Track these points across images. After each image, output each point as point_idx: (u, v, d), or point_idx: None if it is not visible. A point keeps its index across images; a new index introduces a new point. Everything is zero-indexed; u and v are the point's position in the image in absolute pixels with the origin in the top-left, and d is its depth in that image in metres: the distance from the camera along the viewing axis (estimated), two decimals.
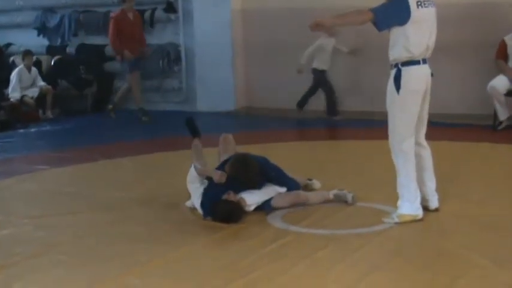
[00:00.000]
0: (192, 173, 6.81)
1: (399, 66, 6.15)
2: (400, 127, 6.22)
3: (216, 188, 6.56)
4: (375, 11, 6.09)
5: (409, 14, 6.06)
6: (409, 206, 6.25)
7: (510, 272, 5.06)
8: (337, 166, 8.53)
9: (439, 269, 5.16)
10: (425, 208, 6.39)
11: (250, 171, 6.66)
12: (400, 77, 6.13)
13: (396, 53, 6.17)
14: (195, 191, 6.73)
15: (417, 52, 6.14)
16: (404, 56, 6.15)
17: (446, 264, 5.25)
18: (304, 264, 5.35)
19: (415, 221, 6.21)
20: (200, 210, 6.62)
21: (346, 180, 7.45)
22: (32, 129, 12.65)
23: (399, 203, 6.29)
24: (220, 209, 6.42)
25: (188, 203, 6.95)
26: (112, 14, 13.13)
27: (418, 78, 6.22)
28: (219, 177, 6.60)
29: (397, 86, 6.15)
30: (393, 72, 6.19)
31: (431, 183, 6.49)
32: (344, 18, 6.44)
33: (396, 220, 6.24)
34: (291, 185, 6.91)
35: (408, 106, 6.22)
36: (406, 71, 6.14)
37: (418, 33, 6.13)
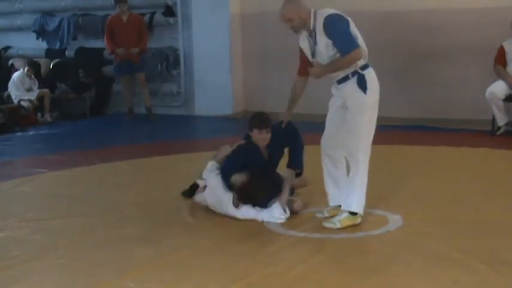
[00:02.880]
0: (208, 168, 7.02)
1: (359, 71, 6.16)
2: (370, 128, 6.25)
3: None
4: (355, 44, 6.06)
5: (348, 21, 6.14)
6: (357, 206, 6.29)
7: (507, 277, 5.06)
8: None
9: (437, 274, 5.16)
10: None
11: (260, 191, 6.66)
12: (364, 80, 6.14)
13: None
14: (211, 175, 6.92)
15: (366, 54, 6.20)
16: (360, 62, 6.17)
17: (443, 269, 5.24)
18: (301, 269, 5.34)
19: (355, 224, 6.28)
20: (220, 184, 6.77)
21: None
22: (30, 133, 12.65)
23: (348, 201, 6.31)
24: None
25: (198, 197, 7.08)
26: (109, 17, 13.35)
27: (376, 79, 6.27)
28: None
29: (364, 87, 6.16)
30: (354, 78, 6.15)
31: None
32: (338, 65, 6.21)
33: (338, 225, 6.25)
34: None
35: (376, 104, 6.27)
36: (367, 72, 6.18)
37: (358, 36, 6.18)
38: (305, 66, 6.51)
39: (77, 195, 7.94)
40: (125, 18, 13.01)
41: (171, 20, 13.91)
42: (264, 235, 6.23)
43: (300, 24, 6.25)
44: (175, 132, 12.37)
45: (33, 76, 13.63)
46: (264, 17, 13.08)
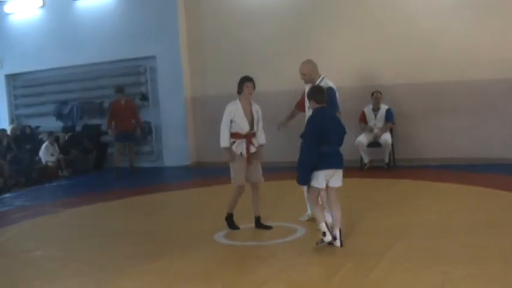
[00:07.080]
0: None
1: None
2: None
3: None
4: (338, 107, 6.51)
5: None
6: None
7: None
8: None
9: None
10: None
11: None
12: None
13: None
14: None
15: None
16: None
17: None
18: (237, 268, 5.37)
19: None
20: None
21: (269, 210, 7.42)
22: (54, 184, 12.45)
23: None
24: None
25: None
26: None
27: None
28: None
29: None
30: None
31: None
32: None
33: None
34: None
35: None
36: None
37: None
38: (301, 104, 6.83)
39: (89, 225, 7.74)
40: (122, 101, 12.65)
41: (146, 102, 13.94)
42: (210, 244, 6.13)
43: (308, 79, 6.55)
44: (152, 178, 12.31)
45: (54, 143, 13.48)
46: (208, 98, 13.23)
